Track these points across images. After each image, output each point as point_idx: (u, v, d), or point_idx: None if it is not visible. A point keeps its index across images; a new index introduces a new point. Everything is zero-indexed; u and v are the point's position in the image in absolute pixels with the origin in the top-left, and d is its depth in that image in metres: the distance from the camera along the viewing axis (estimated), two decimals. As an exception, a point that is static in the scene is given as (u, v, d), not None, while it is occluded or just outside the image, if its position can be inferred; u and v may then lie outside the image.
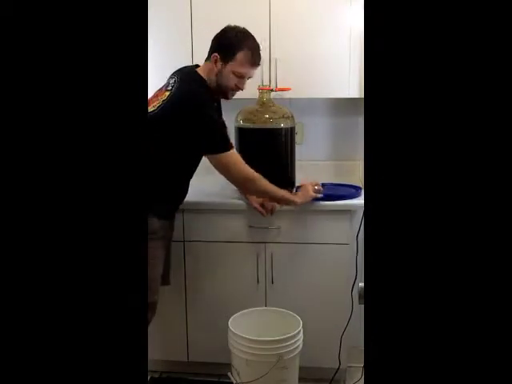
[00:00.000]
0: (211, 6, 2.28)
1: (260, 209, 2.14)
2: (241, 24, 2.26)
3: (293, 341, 1.93)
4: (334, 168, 2.63)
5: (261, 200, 2.15)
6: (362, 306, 0.99)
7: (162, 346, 2.21)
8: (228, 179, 2.01)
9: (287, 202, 2.10)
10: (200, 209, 2.23)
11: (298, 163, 2.35)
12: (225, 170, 1.96)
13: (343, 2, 2.21)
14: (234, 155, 1.96)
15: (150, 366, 2.26)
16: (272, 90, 2.24)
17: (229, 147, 1.93)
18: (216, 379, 2.33)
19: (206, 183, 2.45)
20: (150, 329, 1.80)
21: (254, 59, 1.97)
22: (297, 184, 2.32)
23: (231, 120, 2.31)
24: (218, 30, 2.28)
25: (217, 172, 2.58)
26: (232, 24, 1.98)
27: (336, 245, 2.18)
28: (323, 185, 2.38)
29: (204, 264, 2.27)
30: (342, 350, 2.20)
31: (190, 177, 2.05)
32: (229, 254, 2.26)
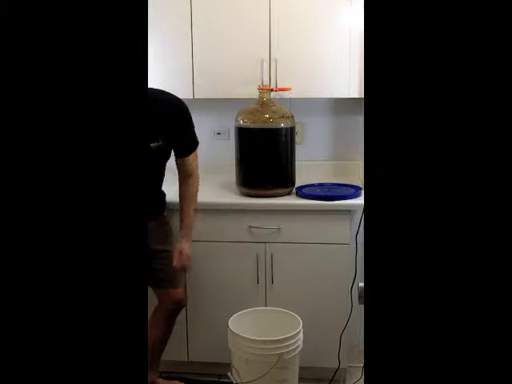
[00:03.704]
0: (211, 6, 2.28)
1: (177, 255, 2.05)
2: (241, 24, 2.28)
3: (293, 341, 1.93)
4: (334, 168, 2.64)
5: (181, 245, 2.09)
6: (362, 305, 0.99)
7: (162, 345, 2.21)
8: (191, 177, 2.08)
9: (186, 227, 2.09)
10: (200, 209, 2.23)
11: (298, 163, 2.35)
12: (195, 166, 2.08)
13: (343, 2, 2.21)
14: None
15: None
16: (272, 90, 2.25)
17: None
18: (216, 379, 2.34)
19: (206, 183, 2.46)
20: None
21: None
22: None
23: (231, 120, 2.32)
24: (218, 31, 2.29)
25: (216, 172, 2.60)
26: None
27: (336, 245, 2.18)
28: (323, 185, 2.39)
29: (204, 264, 2.27)
30: (342, 350, 2.20)
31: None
32: (229, 254, 2.26)
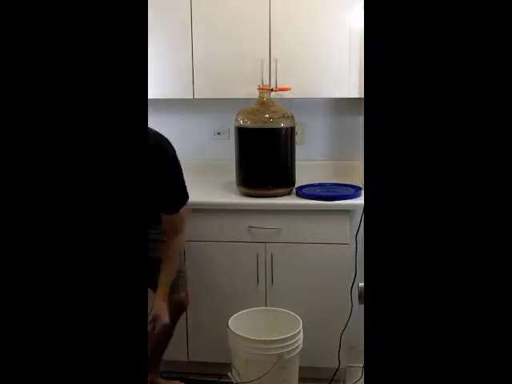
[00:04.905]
0: (211, 6, 2.28)
1: (154, 322, 1.83)
2: (241, 24, 2.28)
3: (293, 341, 1.93)
4: (334, 168, 2.64)
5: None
6: (362, 305, 0.99)
7: (162, 345, 2.21)
8: (178, 234, 1.90)
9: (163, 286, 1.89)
10: (200, 209, 2.23)
11: (298, 163, 2.35)
12: (184, 223, 1.87)
13: (343, 2, 2.21)
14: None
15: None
16: (272, 90, 2.25)
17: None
18: (216, 379, 2.34)
19: (206, 183, 2.46)
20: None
21: None
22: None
23: (231, 120, 2.32)
24: (218, 31, 2.29)
25: (216, 172, 2.60)
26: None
27: (336, 245, 2.18)
28: (323, 185, 2.39)
29: (204, 264, 2.27)
30: (342, 350, 2.20)
31: None
32: (229, 254, 2.26)
